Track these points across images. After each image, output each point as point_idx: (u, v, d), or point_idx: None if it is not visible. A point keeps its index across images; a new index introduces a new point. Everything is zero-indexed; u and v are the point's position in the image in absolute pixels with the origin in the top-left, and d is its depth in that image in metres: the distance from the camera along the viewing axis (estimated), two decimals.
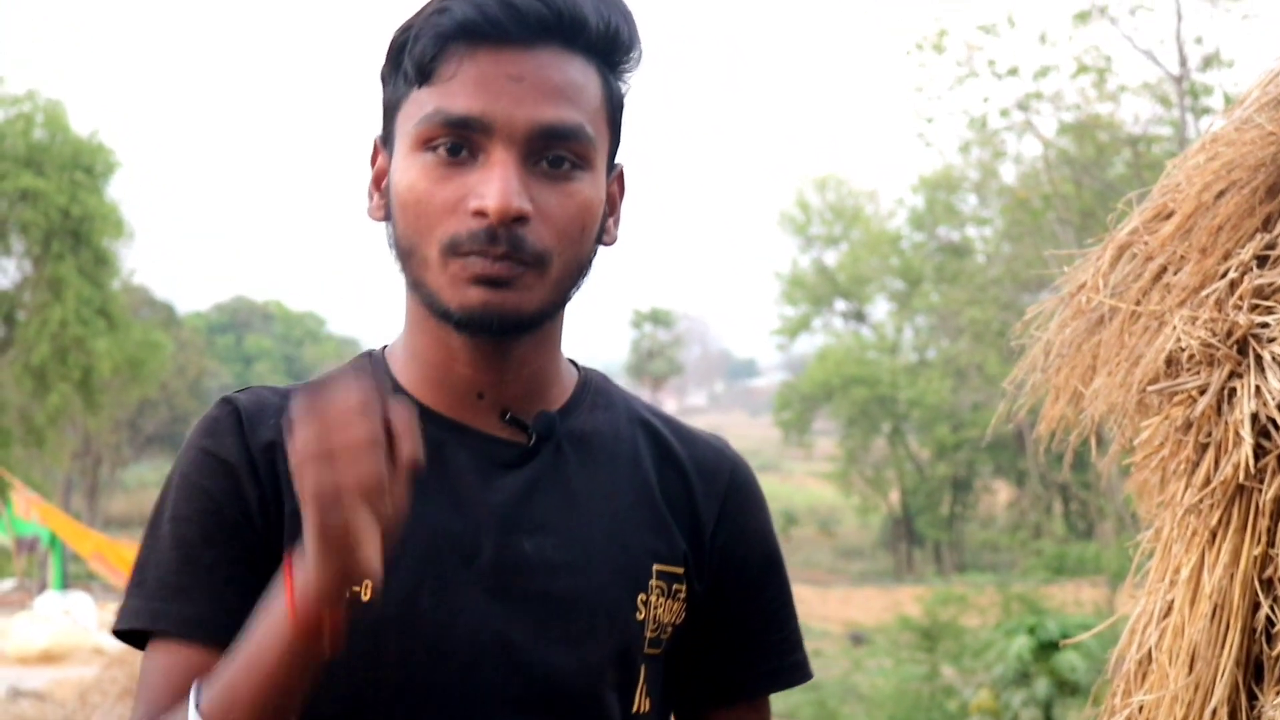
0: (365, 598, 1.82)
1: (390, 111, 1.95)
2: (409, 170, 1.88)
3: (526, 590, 1.91)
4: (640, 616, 1.97)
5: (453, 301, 1.86)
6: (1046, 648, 18.56)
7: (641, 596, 1.97)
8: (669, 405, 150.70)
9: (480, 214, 1.83)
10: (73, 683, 16.76)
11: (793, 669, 2.13)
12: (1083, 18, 21.15)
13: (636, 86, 2.02)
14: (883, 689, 25.94)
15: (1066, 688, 18.46)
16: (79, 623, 21.06)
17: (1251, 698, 2.79)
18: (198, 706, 1.73)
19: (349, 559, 1.59)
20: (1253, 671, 2.81)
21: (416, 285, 1.92)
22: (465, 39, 1.86)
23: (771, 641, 2.11)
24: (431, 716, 1.88)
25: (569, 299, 1.96)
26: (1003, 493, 53.58)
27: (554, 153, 1.87)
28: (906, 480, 56.31)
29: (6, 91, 36.71)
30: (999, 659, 19.55)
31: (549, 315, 1.93)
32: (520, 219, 1.84)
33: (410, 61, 1.88)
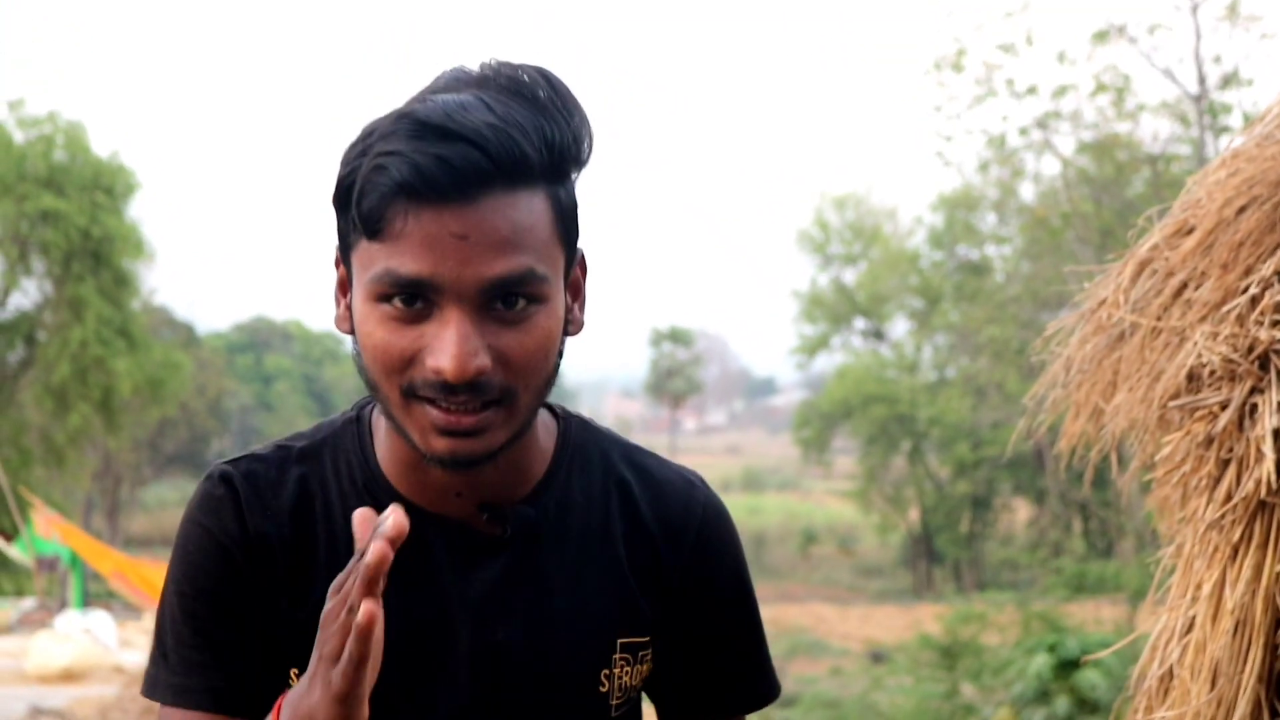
0: None
1: (344, 242, 1.97)
2: (368, 319, 1.92)
3: (499, 679, 2.04)
4: (604, 689, 2.09)
5: (421, 445, 1.93)
6: (1066, 666, 18.48)
7: (605, 672, 2.09)
8: (688, 424, 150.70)
9: (437, 372, 1.87)
10: (93, 701, 16.79)
11: (762, 695, 2.24)
12: (1101, 37, 21.14)
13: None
14: (902, 707, 25.85)
15: (1087, 706, 18.38)
16: (100, 641, 21.06)
17: (1274, 714, 2.79)
18: None
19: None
20: (1275, 687, 2.81)
21: (386, 413, 1.98)
22: (406, 198, 1.85)
23: (739, 671, 2.22)
24: None
25: (538, 409, 2.02)
26: (1022, 511, 53.41)
27: (505, 300, 1.90)
28: (926, 498, 56.15)
29: (27, 113, 37.04)
30: (1019, 677, 19.48)
31: (519, 438, 1.99)
32: (478, 374, 1.88)
33: (356, 218, 1.90)
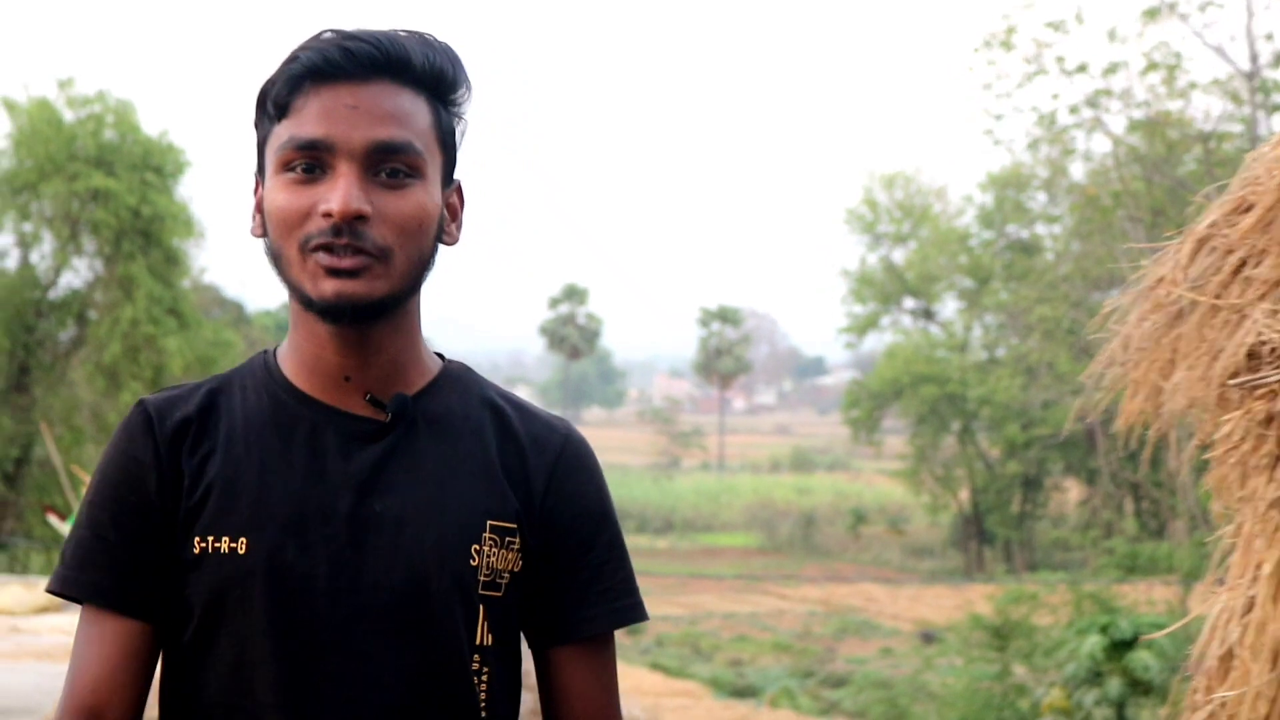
0: (241, 551, 2.26)
1: (261, 147, 2.34)
2: (273, 190, 2.27)
3: (377, 542, 2.28)
4: (474, 563, 2.32)
5: (312, 291, 2.24)
6: (1119, 647, 18.43)
7: (475, 546, 2.32)
8: (737, 404, 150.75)
9: (327, 215, 2.21)
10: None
11: (622, 611, 2.43)
12: (1152, 14, 21.03)
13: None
14: (954, 688, 25.84)
15: (1139, 687, 18.33)
16: None
17: None
18: None
19: None
20: None
21: (285, 282, 2.29)
22: (312, 79, 2.26)
23: (601, 589, 2.42)
24: (304, 646, 2.25)
25: (417, 289, 2.33)
26: (1073, 491, 53.23)
27: (390, 165, 2.26)
28: (976, 478, 56.06)
29: (77, 92, 36.92)
30: (1071, 658, 19.44)
31: (398, 302, 2.29)
32: (360, 218, 2.22)
33: (271, 103, 2.28)
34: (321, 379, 2.34)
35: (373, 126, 2.24)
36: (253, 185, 2.38)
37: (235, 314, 56.89)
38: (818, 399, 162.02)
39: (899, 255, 59.08)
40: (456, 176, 2.41)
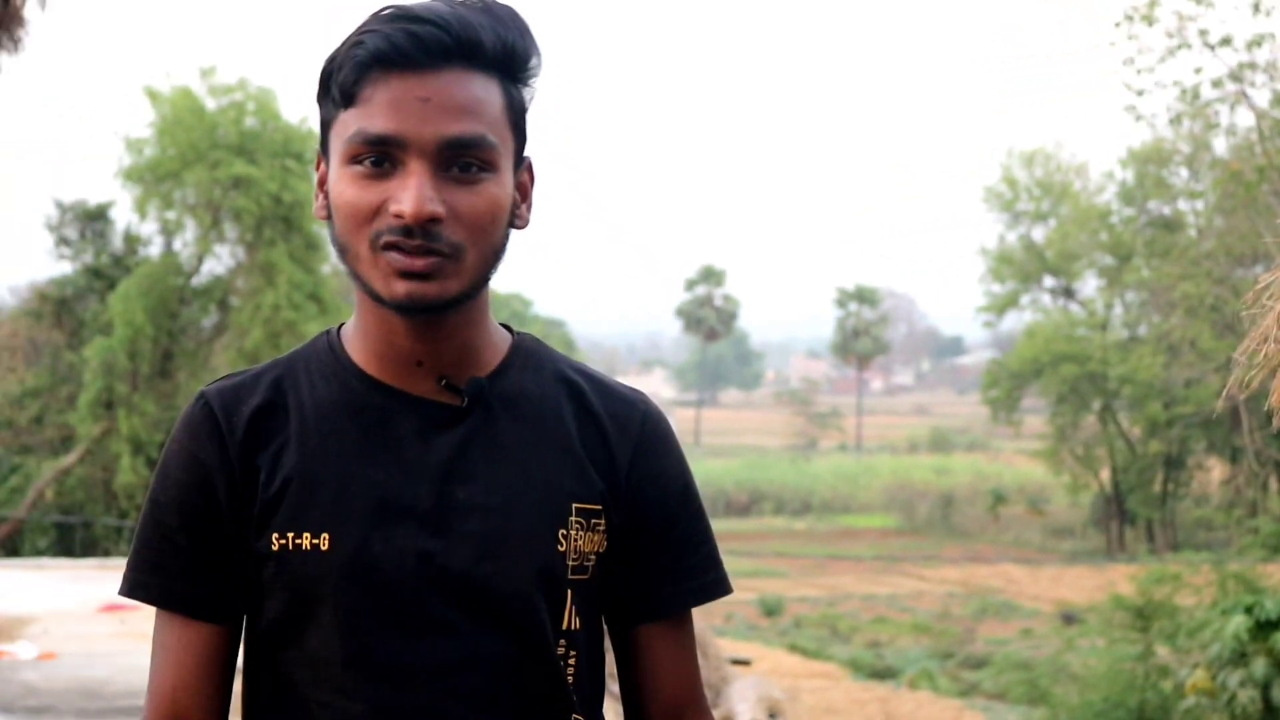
0: (324, 547, 2.20)
1: (325, 128, 2.25)
2: (340, 181, 2.19)
3: (462, 530, 2.22)
4: (561, 548, 2.27)
5: (383, 292, 2.17)
6: (1265, 627, 18.19)
7: (562, 531, 2.27)
8: (875, 384, 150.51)
9: (399, 216, 2.13)
10: None
11: (707, 587, 2.41)
12: None
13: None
14: (1095, 669, 25.65)
15: None
16: None
17: None
18: None
19: None
20: None
21: (354, 275, 2.21)
22: (379, 67, 2.16)
23: (686, 565, 2.39)
24: (391, 640, 2.21)
25: (488, 279, 2.26)
26: (1216, 470, 52.59)
27: (462, 160, 2.18)
28: (1117, 458, 55.69)
29: (219, 81, 37.45)
30: (1215, 638, 19.20)
31: (469, 296, 2.22)
32: (434, 220, 2.14)
33: (336, 88, 2.20)
34: (393, 364, 2.28)
35: (445, 121, 2.16)
36: (315, 162, 2.32)
37: None
38: (956, 379, 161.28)
39: (1038, 233, 58.77)
40: (526, 154, 2.34)
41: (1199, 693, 19.37)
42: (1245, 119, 26.28)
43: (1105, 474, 57.65)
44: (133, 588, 2.29)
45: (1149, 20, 22.34)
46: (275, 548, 2.22)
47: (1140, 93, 23.61)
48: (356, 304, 2.31)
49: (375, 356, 2.28)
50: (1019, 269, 58.65)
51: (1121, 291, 52.53)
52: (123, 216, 43.14)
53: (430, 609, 2.22)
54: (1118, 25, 22.87)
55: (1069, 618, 36.21)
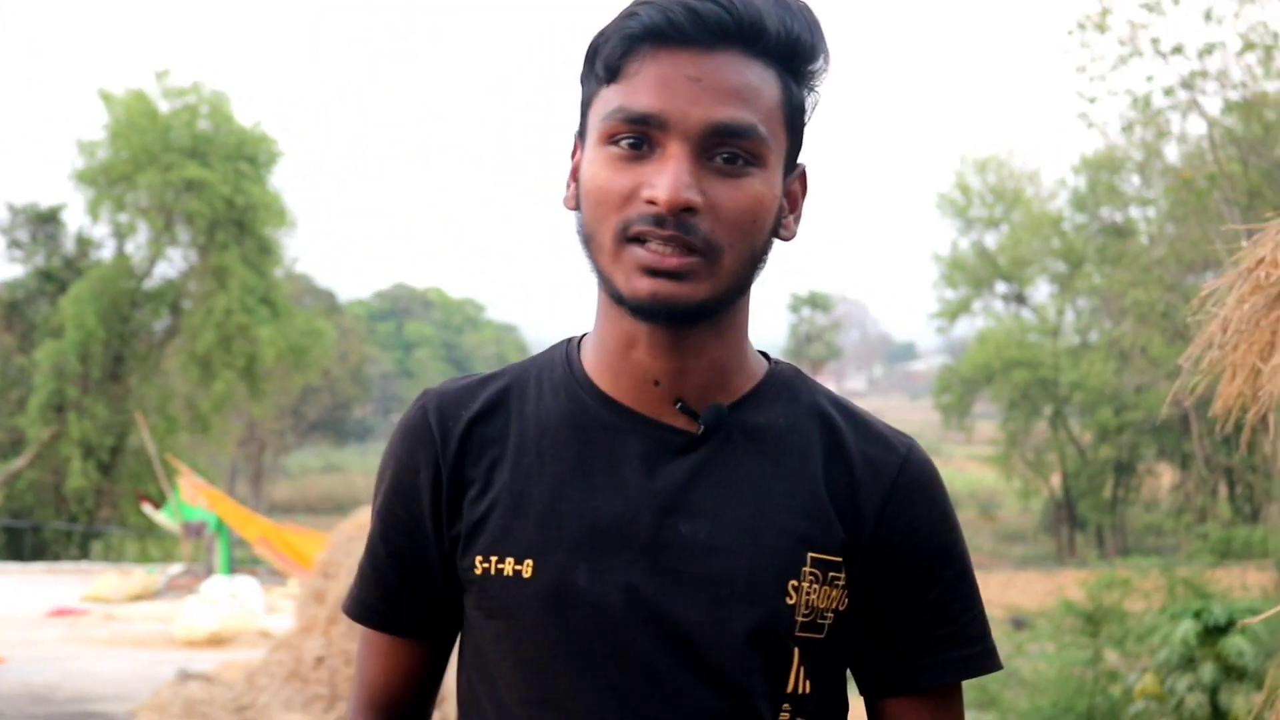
0: (526, 575, 2.04)
1: (585, 108, 2.08)
2: (594, 162, 2.02)
3: (679, 569, 2.02)
4: (791, 601, 2.05)
5: (624, 288, 1.99)
6: (1213, 632, 18.30)
7: (793, 582, 2.05)
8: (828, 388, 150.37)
9: (651, 202, 1.95)
10: (240, 665, 16.93)
11: (970, 660, 2.17)
12: None
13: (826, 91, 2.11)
14: (1045, 673, 25.73)
15: (1234, 673, 18.21)
16: (246, 606, 21.23)
17: None
18: None
19: None
20: None
21: (596, 270, 2.04)
22: (650, 41, 1.98)
23: (944, 634, 2.15)
24: (590, 679, 2.02)
25: (745, 290, 2.06)
26: (1166, 476, 52.97)
27: (727, 150, 1.98)
28: (1068, 463, 55.94)
29: (172, 84, 37.53)
30: (1164, 643, 19.29)
31: (722, 305, 2.02)
32: (689, 209, 1.95)
33: (601, 62, 2.02)
34: (628, 380, 2.10)
35: (714, 104, 1.97)
36: (570, 148, 2.16)
37: (327, 303, 57.58)
38: (909, 384, 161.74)
39: (991, 239, 58.91)
40: (801, 161, 2.15)
41: (1147, 697, 19.47)
42: (1197, 126, 26.53)
43: (1056, 480, 57.94)
44: (347, 603, 2.26)
45: (1101, 28, 22.48)
46: (478, 572, 2.09)
47: (1092, 100, 23.80)
48: (597, 312, 2.14)
49: (609, 370, 2.12)
50: (971, 275, 58.83)
51: (1073, 298, 52.83)
52: (75, 219, 43.26)
53: (634, 651, 2.02)
54: (1070, 33, 23.03)
55: (1019, 623, 36.35)
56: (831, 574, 2.08)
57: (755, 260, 2.04)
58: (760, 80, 2.01)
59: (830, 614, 2.09)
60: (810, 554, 2.07)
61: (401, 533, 2.16)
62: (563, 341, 2.24)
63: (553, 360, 2.20)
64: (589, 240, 2.03)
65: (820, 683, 2.11)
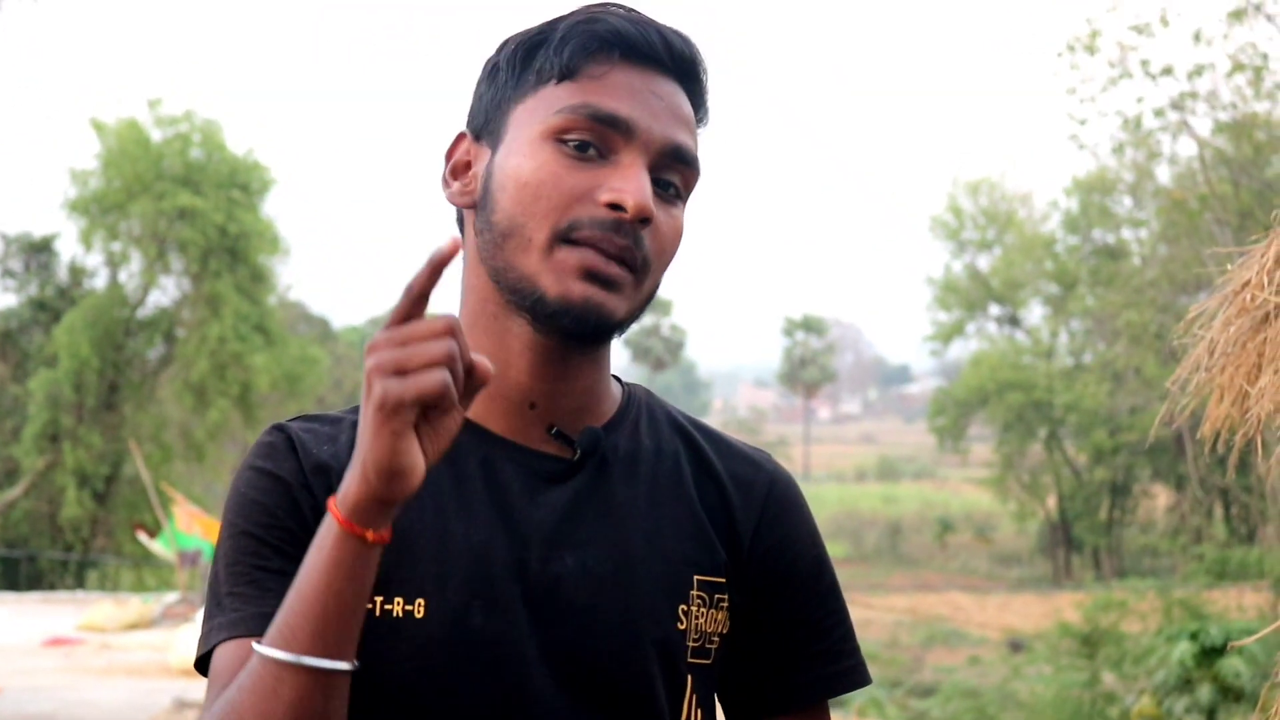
0: (419, 615, 1.91)
1: (502, 105, 2.00)
2: (534, 156, 1.92)
3: (571, 603, 1.95)
4: (681, 626, 2.00)
5: (552, 289, 1.90)
6: (1209, 653, 18.33)
7: (683, 607, 2.00)
8: (822, 413, 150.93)
9: (614, 206, 1.88)
10: None
11: (841, 675, 2.12)
12: (1238, 15, 20.79)
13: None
14: (1042, 696, 25.74)
15: (1230, 693, 18.22)
16: None
17: None
18: (258, 641, 1.75)
19: (396, 461, 1.63)
20: None
21: (506, 269, 1.94)
22: (619, 48, 1.94)
23: (819, 650, 2.11)
24: (488, 718, 1.91)
25: (637, 320, 2.00)
26: (1162, 497, 52.95)
27: (668, 175, 1.96)
28: (1063, 485, 56.07)
29: (165, 112, 37.54)
30: (1161, 665, 19.34)
31: (624, 328, 1.97)
32: (645, 221, 1.90)
33: (554, 59, 1.95)
34: (500, 404, 2.00)
35: (673, 126, 1.95)
36: (451, 145, 2.07)
37: (321, 330, 57.47)
38: (903, 407, 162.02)
39: (984, 262, 59.18)
40: None
41: (1145, 719, 19.48)
42: (1187, 148, 26.47)
43: (1051, 501, 58.07)
44: (229, 628, 1.89)
45: (1091, 50, 22.50)
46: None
47: (1083, 122, 23.84)
48: (470, 322, 2.02)
49: (481, 401, 2.00)
50: (965, 298, 59.01)
51: (1066, 319, 52.91)
52: (68, 248, 43.19)
53: (532, 688, 1.93)
54: (1060, 55, 23.05)
55: (1016, 645, 36.36)
56: (717, 595, 2.04)
57: (655, 291, 2.01)
58: (693, 117, 2.02)
59: (716, 638, 2.05)
60: (696, 576, 2.02)
61: (294, 540, 1.91)
62: None
63: None
64: (507, 237, 1.93)
65: (709, 711, 2.07)
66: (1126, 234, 44.17)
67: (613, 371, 2.13)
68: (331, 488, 1.92)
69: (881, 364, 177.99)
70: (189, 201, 35.93)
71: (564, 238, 1.89)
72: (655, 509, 2.03)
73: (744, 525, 2.08)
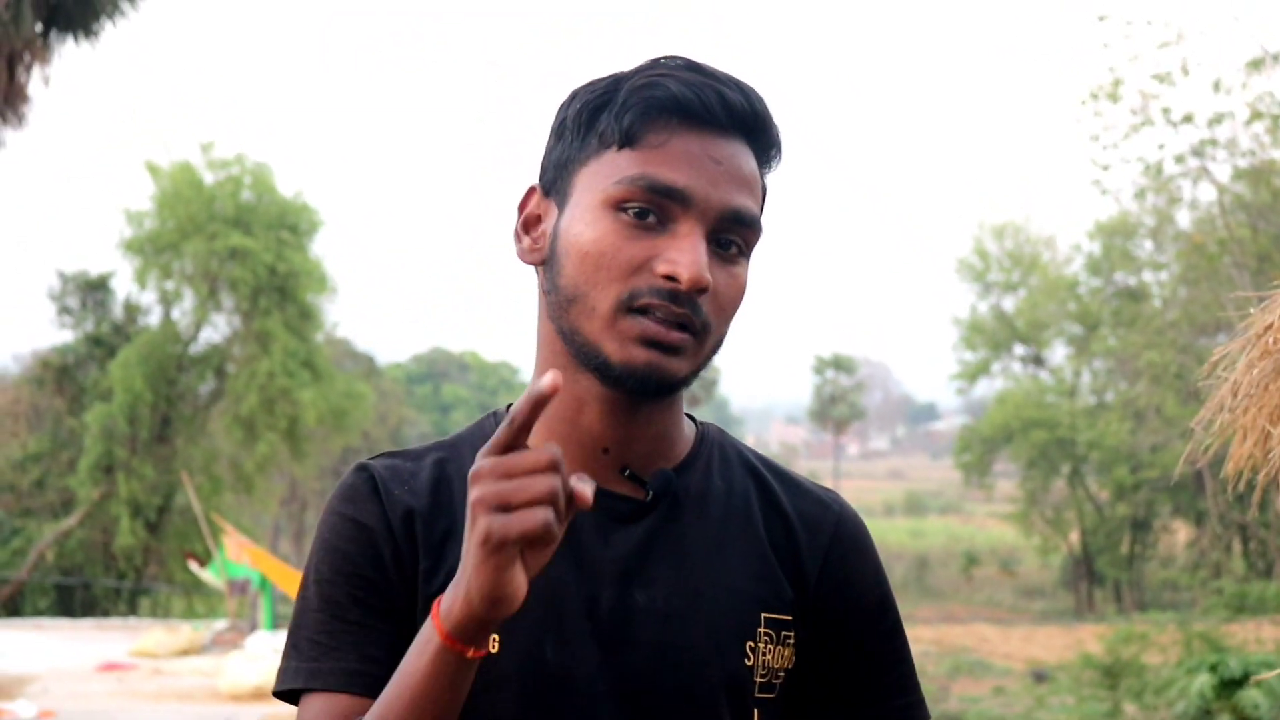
0: (493, 650, 1.94)
1: (569, 165, 2.01)
2: (595, 225, 1.94)
3: (639, 639, 1.98)
4: (749, 663, 2.02)
5: (615, 355, 1.93)
6: (1229, 685, 18.26)
7: (750, 644, 2.03)
8: (851, 449, 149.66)
9: (670, 278, 1.90)
10: (283, 718, 17.24)
11: (901, 711, 2.15)
12: (1256, 65, 20.92)
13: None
14: None
15: None
16: None
17: None
18: None
19: (499, 591, 1.66)
20: None
21: (573, 333, 1.97)
22: (677, 115, 1.95)
23: (879, 687, 2.14)
24: None
25: (704, 371, 2.03)
26: (1182, 532, 52.71)
27: (730, 236, 1.96)
28: (1086, 520, 55.70)
29: (217, 155, 37.96)
30: (1181, 696, 19.21)
31: (690, 382, 2.00)
32: (703, 290, 1.91)
33: (614, 125, 1.96)
34: (574, 448, 2.01)
35: (732, 190, 1.94)
36: (523, 196, 2.08)
37: (367, 366, 57.26)
38: (930, 444, 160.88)
39: (1009, 303, 58.84)
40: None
41: None
42: (1207, 193, 26.79)
43: (1074, 536, 57.55)
44: (309, 677, 1.96)
45: (1114, 98, 22.85)
46: None
47: (1106, 167, 24.03)
48: (544, 368, 2.05)
49: (554, 437, 2.02)
50: (990, 338, 58.85)
51: (1089, 359, 52.76)
52: (123, 286, 43.20)
53: None
54: (1084, 103, 23.47)
55: (1040, 676, 36.46)
56: (784, 633, 2.06)
57: (721, 344, 2.02)
58: (756, 173, 2.00)
59: (782, 674, 2.07)
60: (764, 614, 2.05)
61: (371, 590, 1.98)
62: (488, 415, 2.18)
63: (484, 432, 2.12)
64: (572, 302, 1.95)
65: None
66: (1148, 277, 44.03)
67: (686, 410, 2.15)
68: (414, 533, 2.00)
69: (909, 402, 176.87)
70: (240, 242, 36.31)
71: (626, 307, 1.91)
72: (725, 548, 2.06)
73: (810, 564, 2.11)
